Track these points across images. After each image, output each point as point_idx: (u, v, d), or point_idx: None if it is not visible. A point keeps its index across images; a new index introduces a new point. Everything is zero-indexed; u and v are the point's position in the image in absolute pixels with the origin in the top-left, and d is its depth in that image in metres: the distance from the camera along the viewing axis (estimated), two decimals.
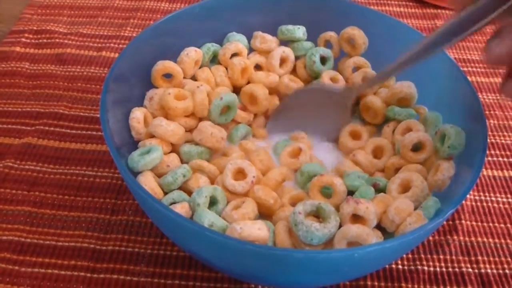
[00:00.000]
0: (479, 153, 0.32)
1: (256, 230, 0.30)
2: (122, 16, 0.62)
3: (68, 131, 0.47)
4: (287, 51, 0.43)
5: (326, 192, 0.35)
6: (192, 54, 0.41)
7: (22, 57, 0.55)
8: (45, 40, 0.57)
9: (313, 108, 0.41)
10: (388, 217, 0.31)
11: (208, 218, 0.30)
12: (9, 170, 0.43)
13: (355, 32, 0.42)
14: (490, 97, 0.53)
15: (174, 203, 0.33)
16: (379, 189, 0.35)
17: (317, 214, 0.32)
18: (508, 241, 0.40)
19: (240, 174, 0.36)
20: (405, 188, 0.34)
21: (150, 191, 0.33)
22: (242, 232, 0.29)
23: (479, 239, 0.40)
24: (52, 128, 0.47)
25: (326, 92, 0.40)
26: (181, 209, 0.32)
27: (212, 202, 0.34)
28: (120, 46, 0.57)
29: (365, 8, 0.46)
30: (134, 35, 0.58)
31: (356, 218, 0.32)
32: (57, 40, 0.57)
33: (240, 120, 0.41)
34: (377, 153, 0.39)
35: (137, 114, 0.37)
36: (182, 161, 0.37)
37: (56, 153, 0.45)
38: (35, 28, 0.58)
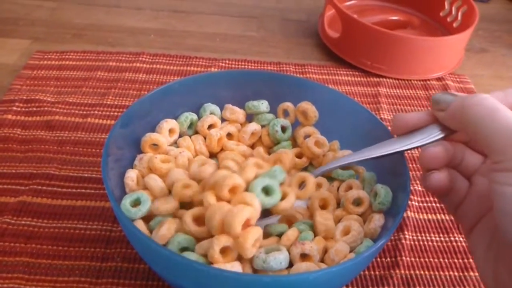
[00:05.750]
0: (402, 208, 0.39)
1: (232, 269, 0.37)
2: (104, 86, 0.67)
3: (59, 189, 0.52)
4: (258, 129, 0.51)
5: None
6: (163, 125, 0.49)
7: (14, 124, 0.59)
8: (34, 109, 0.62)
9: None
10: (330, 257, 0.39)
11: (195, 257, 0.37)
12: (7, 225, 0.48)
13: (308, 107, 0.51)
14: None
15: None
16: None
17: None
18: (441, 272, 0.49)
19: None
20: (347, 233, 0.42)
21: None
22: None
23: (417, 272, 0.48)
24: (44, 187, 0.52)
25: None
26: None
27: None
28: (104, 113, 0.62)
29: (315, 84, 0.55)
30: (116, 103, 0.64)
31: (304, 257, 0.39)
32: (45, 108, 0.61)
33: None
34: (323, 204, 0.46)
35: (131, 174, 0.44)
36: None
37: (49, 210, 0.49)
38: (24, 97, 0.63)
